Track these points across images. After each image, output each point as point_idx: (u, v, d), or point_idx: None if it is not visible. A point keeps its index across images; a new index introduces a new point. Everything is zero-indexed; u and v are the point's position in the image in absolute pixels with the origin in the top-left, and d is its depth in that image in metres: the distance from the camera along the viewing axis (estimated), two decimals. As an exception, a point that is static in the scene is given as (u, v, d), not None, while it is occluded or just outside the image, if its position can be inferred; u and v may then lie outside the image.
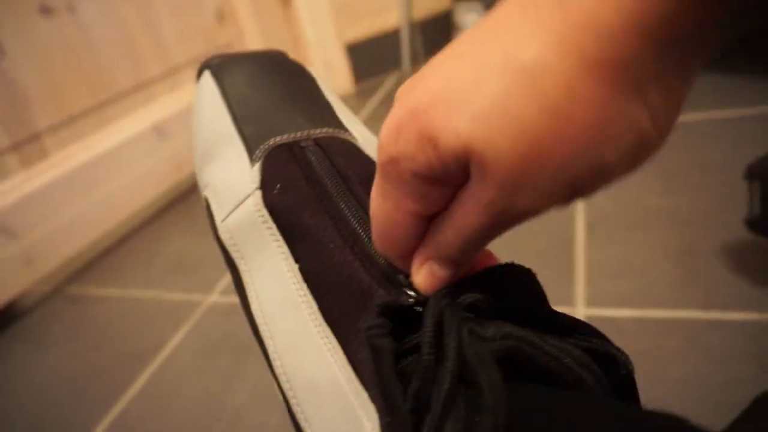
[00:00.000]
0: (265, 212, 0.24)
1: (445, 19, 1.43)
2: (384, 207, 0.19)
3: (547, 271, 0.62)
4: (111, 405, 0.62)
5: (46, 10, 0.89)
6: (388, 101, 1.28)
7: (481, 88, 0.15)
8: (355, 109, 1.30)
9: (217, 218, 0.27)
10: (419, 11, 1.40)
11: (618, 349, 0.18)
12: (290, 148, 0.26)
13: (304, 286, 0.22)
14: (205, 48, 1.19)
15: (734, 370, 0.46)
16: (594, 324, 0.19)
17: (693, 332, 0.51)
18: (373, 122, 1.14)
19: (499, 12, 0.16)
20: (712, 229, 0.62)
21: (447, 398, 0.16)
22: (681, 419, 0.16)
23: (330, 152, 0.26)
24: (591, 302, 0.57)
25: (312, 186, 0.24)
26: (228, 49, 1.25)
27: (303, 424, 0.21)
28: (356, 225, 0.23)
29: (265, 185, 0.25)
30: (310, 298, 0.22)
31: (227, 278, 0.79)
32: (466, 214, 0.17)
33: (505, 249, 0.25)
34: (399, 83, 1.37)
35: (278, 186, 0.25)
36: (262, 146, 0.26)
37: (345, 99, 0.90)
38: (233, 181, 0.26)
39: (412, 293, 0.20)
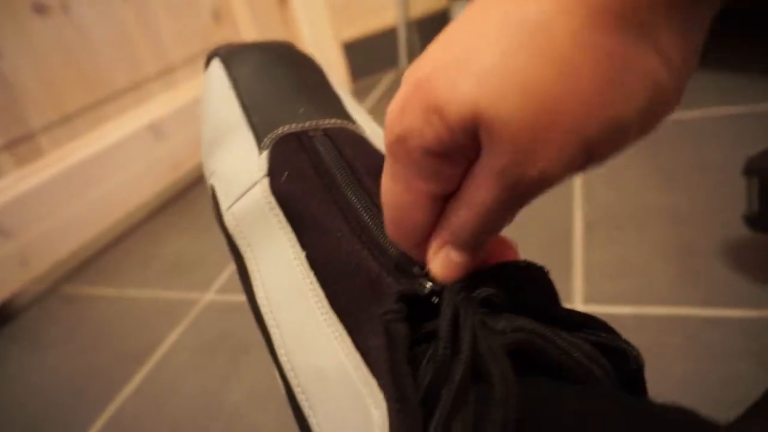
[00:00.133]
0: (272, 199, 0.24)
1: (441, 17, 1.43)
2: (395, 190, 0.18)
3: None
4: (107, 404, 0.62)
5: (39, 9, 0.88)
6: (386, 99, 1.27)
7: (482, 49, 0.15)
8: (352, 108, 1.29)
9: (223, 206, 0.26)
10: (416, 10, 1.40)
11: (628, 343, 0.18)
12: (299, 137, 0.25)
13: (311, 274, 0.22)
14: (202, 47, 1.18)
15: (734, 367, 0.46)
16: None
17: (692, 330, 0.50)
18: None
19: None
20: (711, 226, 0.62)
21: (459, 390, 0.16)
22: (690, 412, 0.15)
23: (338, 143, 0.25)
24: (589, 299, 0.57)
25: (320, 176, 0.24)
26: (224, 47, 1.24)
27: (307, 412, 0.21)
28: (365, 215, 0.22)
29: (273, 173, 0.25)
30: (317, 286, 0.22)
31: (224, 277, 0.78)
32: (479, 188, 0.16)
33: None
34: (396, 82, 1.37)
35: (286, 174, 0.24)
36: (270, 135, 0.26)
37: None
38: (241, 168, 0.26)
39: (427, 283, 0.19)
